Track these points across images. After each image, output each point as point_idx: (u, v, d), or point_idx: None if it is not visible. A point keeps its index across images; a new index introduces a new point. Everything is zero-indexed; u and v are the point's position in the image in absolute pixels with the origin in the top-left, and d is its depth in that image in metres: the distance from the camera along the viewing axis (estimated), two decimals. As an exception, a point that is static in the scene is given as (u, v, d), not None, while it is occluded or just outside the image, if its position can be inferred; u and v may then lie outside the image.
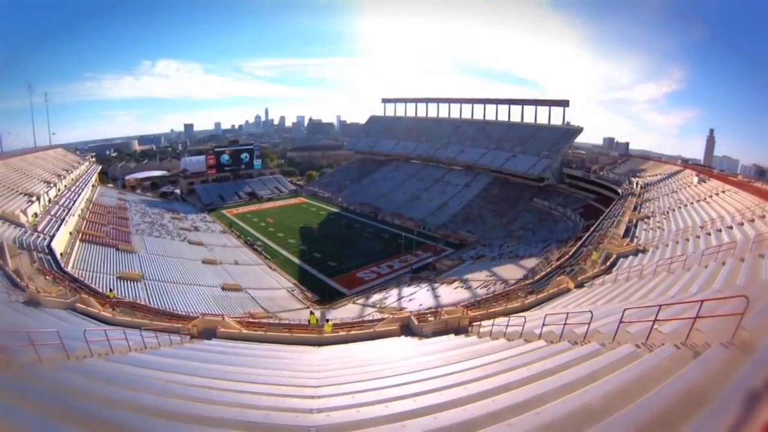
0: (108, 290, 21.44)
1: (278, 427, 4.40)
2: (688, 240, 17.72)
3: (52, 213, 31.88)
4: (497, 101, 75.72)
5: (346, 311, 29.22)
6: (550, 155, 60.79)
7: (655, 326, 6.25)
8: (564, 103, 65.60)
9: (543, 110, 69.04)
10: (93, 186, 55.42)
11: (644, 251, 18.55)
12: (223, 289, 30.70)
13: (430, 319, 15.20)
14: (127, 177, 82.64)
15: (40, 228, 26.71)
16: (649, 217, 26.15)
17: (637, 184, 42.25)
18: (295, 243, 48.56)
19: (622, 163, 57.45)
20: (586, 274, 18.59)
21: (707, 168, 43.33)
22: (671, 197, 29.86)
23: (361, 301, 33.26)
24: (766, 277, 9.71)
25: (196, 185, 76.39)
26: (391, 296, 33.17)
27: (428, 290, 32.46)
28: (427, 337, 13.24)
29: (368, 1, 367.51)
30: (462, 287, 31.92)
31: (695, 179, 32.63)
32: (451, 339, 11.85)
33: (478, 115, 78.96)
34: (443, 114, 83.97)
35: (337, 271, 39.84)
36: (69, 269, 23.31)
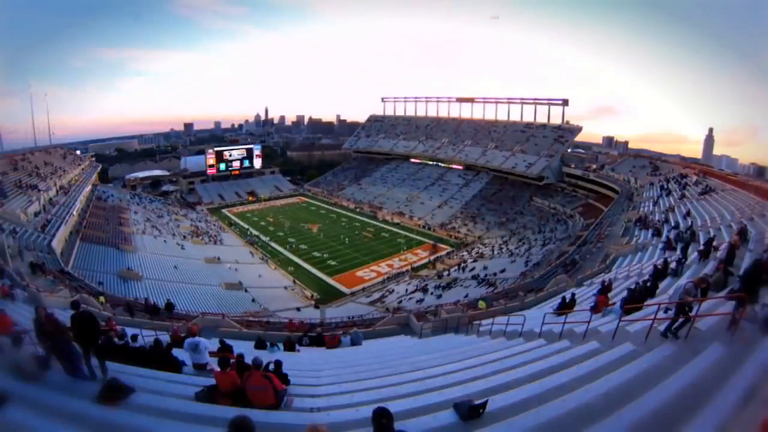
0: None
1: (278, 427, 4.40)
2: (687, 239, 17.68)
3: (52, 212, 31.84)
4: (496, 100, 75.61)
5: (346, 310, 29.22)
6: (550, 154, 60.76)
7: (655, 325, 6.25)
8: (563, 102, 65.50)
9: (542, 109, 69.02)
10: (93, 185, 55.35)
11: (644, 250, 18.52)
12: (223, 287, 30.71)
13: (429, 318, 15.23)
14: (127, 176, 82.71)
15: (40, 228, 26.67)
16: (648, 216, 26.11)
17: (636, 182, 42.24)
18: (295, 242, 48.60)
19: (621, 162, 57.37)
20: (586, 273, 18.59)
21: (706, 167, 43.30)
22: (670, 196, 29.82)
23: (360, 300, 33.31)
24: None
25: (196, 184, 76.41)
26: (390, 295, 33.23)
27: (427, 289, 32.50)
28: (426, 336, 13.26)
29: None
30: (461, 286, 31.95)
31: (694, 178, 32.61)
32: (450, 338, 11.87)
33: (478, 114, 78.95)
34: (443, 113, 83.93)
35: (336, 270, 39.88)
36: (69, 269, 23.28)
